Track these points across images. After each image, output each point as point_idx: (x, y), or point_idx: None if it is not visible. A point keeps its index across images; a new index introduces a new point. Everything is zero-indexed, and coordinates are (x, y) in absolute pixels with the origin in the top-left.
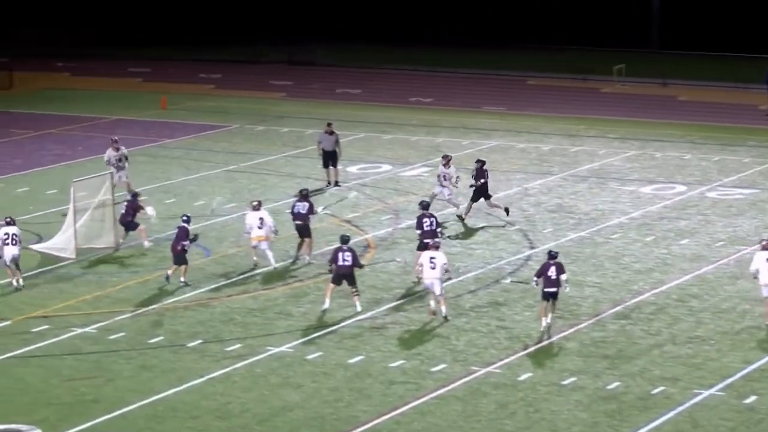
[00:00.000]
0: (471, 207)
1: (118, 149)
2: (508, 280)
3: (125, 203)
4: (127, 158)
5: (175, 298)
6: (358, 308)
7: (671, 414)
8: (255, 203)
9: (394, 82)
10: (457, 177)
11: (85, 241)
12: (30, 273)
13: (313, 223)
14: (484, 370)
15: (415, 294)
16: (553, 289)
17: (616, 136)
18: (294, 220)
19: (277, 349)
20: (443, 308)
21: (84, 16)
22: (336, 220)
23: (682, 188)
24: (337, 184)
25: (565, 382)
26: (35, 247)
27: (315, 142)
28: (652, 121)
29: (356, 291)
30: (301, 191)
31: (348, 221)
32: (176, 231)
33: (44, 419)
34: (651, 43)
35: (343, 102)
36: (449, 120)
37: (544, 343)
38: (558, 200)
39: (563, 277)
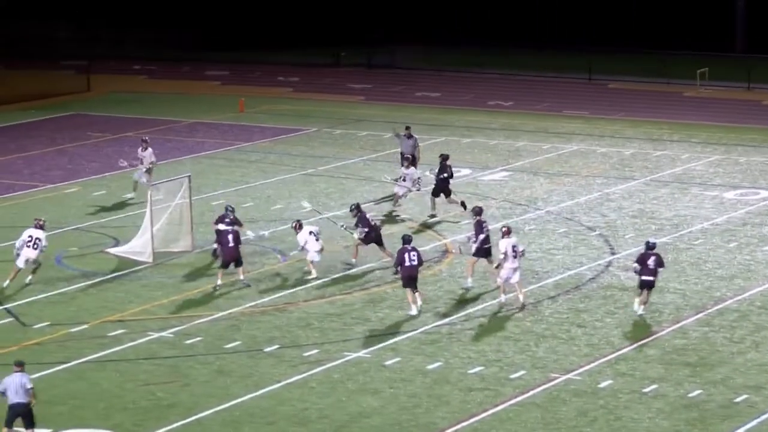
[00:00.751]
0: (434, 202)
1: (146, 149)
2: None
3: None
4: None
5: (252, 303)
6: (415, 311)
7: (754, 423)
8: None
9: (473, 85)
10: (419, 178)
11: (163, 245)
12: (107, 277)
13: (391, 228)
14: (563, 377)
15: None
16: (651, 278)
17: (699, 140)
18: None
19: (354, 355)
20: (521, 296)
21: (162, 20)
22: (414, 225)
23: (767, 194)
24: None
25: (646, 390)
26: (112, 250)
27: (395, 146)
28: (735, 126)
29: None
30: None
31: (427, 226)
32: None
33: (120, 424)
34: (735, 47)
35: (423, 105)
36: (529, 124)
37: (626, 349)
38: (639, 205)
39: (661, 269)
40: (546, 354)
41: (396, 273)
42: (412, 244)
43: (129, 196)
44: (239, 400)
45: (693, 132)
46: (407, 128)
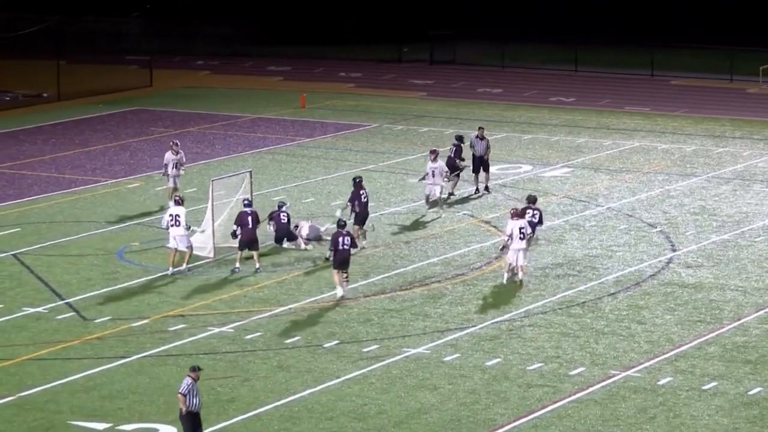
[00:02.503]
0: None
1: (177, 153)
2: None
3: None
4: (182, 164)
5: (313, 298)
6: (341, 293)
7: None
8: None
9: (535, 81)
10: (447, 171)
11: (224, 240)
12: (168, 272)
13: (452, 224)
14: (623, 374)
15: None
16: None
17: (761, 137)
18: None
19: (414, 351)
20: (520, 274)
21: (225, 15)
22: (475, 221)
23: None
24: (487, 189)
25: (706, 387)
26: None
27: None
28: None
29: (347, 276)
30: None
31: (487, 222)
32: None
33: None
34: None
35: (484, 101)
36: (591, 120)
37: (686, 347)
38: (701, 202)
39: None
40: (605, 351)
41: (328, 259)
42: (345, 229)
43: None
44: (298, 395)
45: (755, 129)
46: (480, 129)
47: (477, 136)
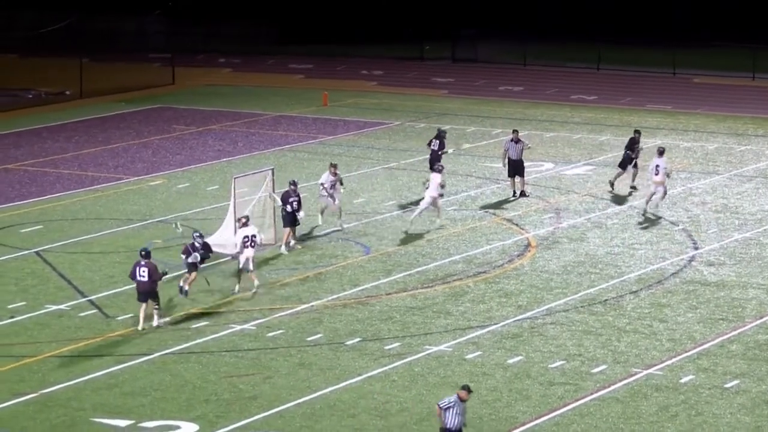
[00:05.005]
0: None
1: (335, 174)
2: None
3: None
4: (342, 183)
5: (335, 296)
6: (155, 323)
7: None
8: None
9: (556, 79)
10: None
11: None
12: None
13: (474, 222)
14: (645, 372)
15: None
16: None
17: None
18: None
19: (435, 348)
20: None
21: (247, 14)
22: (497, 219)
23: None
24: (523, 194)
25: (728, 385)
26: None
27: (479, 139)
28: None
29: (158, 306)
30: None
31: (509, 220)
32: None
33: (202, 416)
34: None
35: (506, 99)
36: (613, 118)
37: (708, 345)
38: (723, 200)
39: None
40: (627, 349)
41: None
42: (148, 259)
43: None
44: (320, 392)
45: None
46: (515, 132)
47: (512, 140)
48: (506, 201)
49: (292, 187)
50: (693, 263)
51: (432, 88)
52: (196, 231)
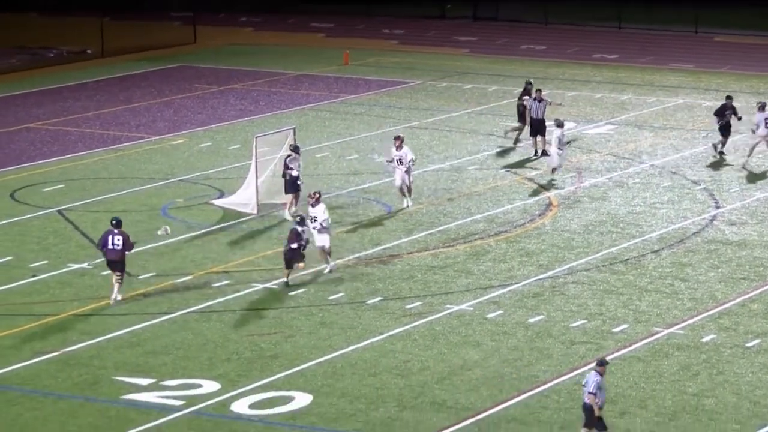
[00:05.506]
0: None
1: (400, 146)
2: None
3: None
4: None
5: (356, 255)
6: (117, 297)
7: None
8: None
9: (578, 38)
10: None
11: (267, 196)
12: (212, 228)
13: (495, 181)
14: (666, 331)
15: (598, 253)
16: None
17: None
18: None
19: (456, 307)
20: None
21: None
22: (518, 178)
23: None
24: (545, 153)
25: (749, 344)
26: (217, 202)
27: (499, 99)
28: None
29: (120, 278)
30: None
31: (530, 179)
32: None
33: (223, 374)
34: None
35: (527, 58)
36: (635, 77)
37: (729, 304)
38: (744, 159)
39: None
40: (649, 308)
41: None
42: (120, 228)
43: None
44: (342, 351)
45: None
46: (538, 90)
47: (535, 98)
48: (528, 160)
49: (294, 153)
50: (715, 222)
51: (453, 47)
52: (297, 215)
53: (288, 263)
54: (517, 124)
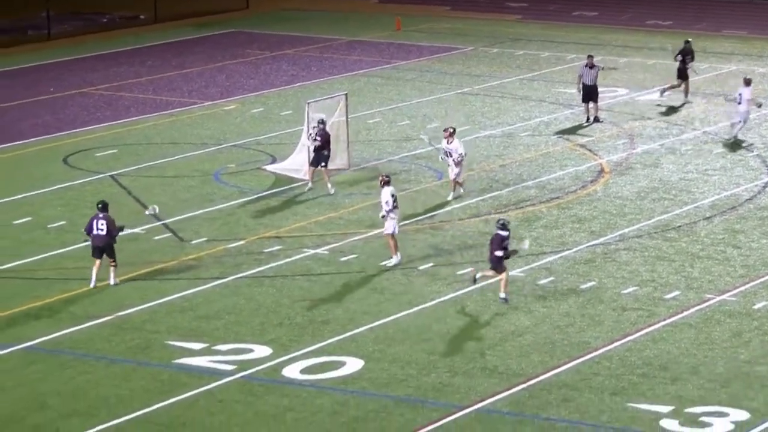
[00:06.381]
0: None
1: (449, 138)
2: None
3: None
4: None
5: (407, 221)
6: (112, 282)
7: None
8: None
9: (631, 4)
10: (461, 154)
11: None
12: (264, 193)
13: (547, 147)
14: (718, 298)
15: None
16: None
17: None
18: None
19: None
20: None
21: None
22: (570, 144)
23: None
24: (597, 119)
25: None
26: (269, 167)
27: (552, 65)
28: None
29: (114, 262)
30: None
31: (582, 145)
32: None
33: (275, 339)
34: None
35: (579, 24)
36: None
37: None
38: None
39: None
40: (701, 275)
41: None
42: (106, 213)
43: None
44: (393, 317)
45: None
46: (590, 57)
47: (586, 65)
48: (579, 126)
49: (321, 125)
50: (767, 189)
51: (505, 13)
52: (500, 220)
53: (496, 269)
54: (675, 82)
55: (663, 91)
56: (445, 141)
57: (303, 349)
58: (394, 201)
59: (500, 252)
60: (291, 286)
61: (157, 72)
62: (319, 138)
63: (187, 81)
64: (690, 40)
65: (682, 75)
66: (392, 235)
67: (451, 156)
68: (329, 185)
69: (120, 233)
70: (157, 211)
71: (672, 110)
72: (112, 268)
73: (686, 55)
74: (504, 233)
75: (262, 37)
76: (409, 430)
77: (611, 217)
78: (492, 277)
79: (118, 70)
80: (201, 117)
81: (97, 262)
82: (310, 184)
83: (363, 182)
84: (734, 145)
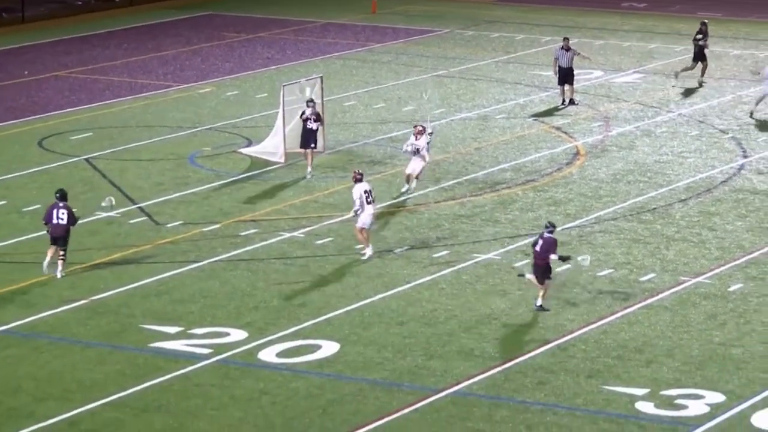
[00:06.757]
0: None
1: (419, 134)
2: None
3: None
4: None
5: (383, 204)
6: (59, 275)
7: None
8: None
9: None
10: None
11: (294, 145)
12: (239, 177)
13: (523, 130)
14: (693, 281)
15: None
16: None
17: None
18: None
19: (484, 257)
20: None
21: None
22: (546, 127)
23: None
24: (572, 102)
25: None
26: (244, 150)
27: (527, 47)
28: None
29: (64, 255)
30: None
31: (558, 128)
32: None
33: (251, 322)
34: None
35: (556, 7)
36: (663, 26)
37: (757, 253)
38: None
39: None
40: (676, 257)
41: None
42: (65, 202)
43: None
44: (369, 300)
45: None
46: (565, 39)
47: (562, 47)
48: (555, 109)
49: (312, 105)
50: (742, 171)
51: None
52: (548, 222)
53: (543, 276)
54: (690, 64)
55: (677, 74)
56: (413, 137)
57: (279, 333)
58: (368, 196)
59: (555, 256)
60: (267, 270)
61: (132, 55)
62: (314, 117)
63: (162, 64)
64: (706, 21)
65: (699, 57)
66: (363, 229)
67: (418, 152)
68: (310, 168)
69: (75, 225)
70: (113, 203)
71: (646, 92)
72: (60, 261)
73: (704, 35)
74: (553, 237)
75: (237, 20)
76: (385, 413)
77: (587, 200)
78: (535, 285)
79: (92, 53)
80: (176, 100)
81: (53, 248)
82: (309, 169)
83: (338, 165)
84: (711, 127)
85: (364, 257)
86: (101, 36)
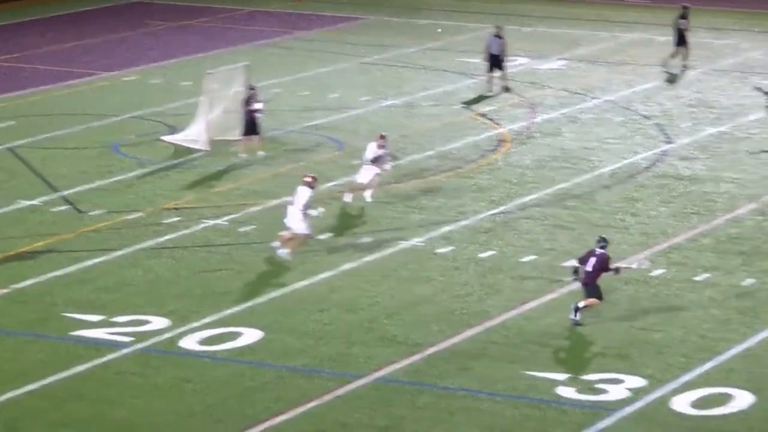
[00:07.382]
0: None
1: (383, 146)
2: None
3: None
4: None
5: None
6: None
7: None
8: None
9: None
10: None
11: (218, 133)
12: (163, 164)
13: (449, 117)
14: (616, 265)
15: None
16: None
17: (761, 29)
18: None
19: (407, 243)
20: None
21: None
22: (472, 114)
23: None
24: (507, 89)
25: (698, 279)
26: (168, 138)
27: (453, 34)
28: None
29: None
30: None
31: (483, 114)
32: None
33: (174, 311)
34: None
35: None
36: (591, 13)
37: (679, 238)
38: (698, 95)
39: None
40: None
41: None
42: None
43: None
44: (291, 287)
45: (756, 21)
46: (498, 27)
47: (495, 35)
48: (482, 96)
49: (253, 91)
50: (666, 157)
51: None
52: (601, 238)
53: (596, 295)
54: (673, 50)
55: (666, 62)
56: (375, 145)
57: (201, 321)
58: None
59: (611, 272)
60: (190, 258)
61: (57, 43)
62: (260, 103)
63: (87, 52)
64: (687, 5)
65: (681, 41)
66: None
67: (377, 161)
68: (244, 155)
69: None
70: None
71: (572, 79)
72: None
73: (685, 19)
74: (605, 252)
75: (163, 7)
76: (306, 400)
77: (511, 186)
78: (590, 303)
79: (17, 41)
80: (101, 88)
81: None
82: (261, 152)
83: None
84: (636, 113)
85: (283, 255)
86: (26, 24)
